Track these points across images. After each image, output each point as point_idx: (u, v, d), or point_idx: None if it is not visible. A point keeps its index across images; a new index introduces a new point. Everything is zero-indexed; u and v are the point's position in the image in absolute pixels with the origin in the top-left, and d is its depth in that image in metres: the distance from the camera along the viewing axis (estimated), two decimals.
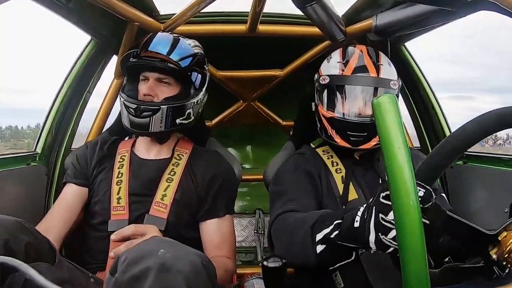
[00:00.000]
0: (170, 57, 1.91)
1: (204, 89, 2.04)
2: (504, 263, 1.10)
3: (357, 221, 1.29)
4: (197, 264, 1.20)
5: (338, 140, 1.92)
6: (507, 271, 1.12)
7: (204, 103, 2.09)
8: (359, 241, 1.28)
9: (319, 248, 1.46)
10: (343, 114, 1.92)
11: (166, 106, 1.89)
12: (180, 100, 1.94)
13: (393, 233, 1.17)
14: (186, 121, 1.98)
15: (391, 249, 1.20)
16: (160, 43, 1.95)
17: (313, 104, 2.11)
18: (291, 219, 1.67)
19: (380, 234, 1.20)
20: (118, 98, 2.05)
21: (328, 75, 1.96)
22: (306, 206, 1.77)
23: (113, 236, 1.55)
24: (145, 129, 1.90)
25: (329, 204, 1.87)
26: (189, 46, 2.02)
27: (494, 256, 1.11)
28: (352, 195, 1.87)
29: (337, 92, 1.95)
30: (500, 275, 1.14)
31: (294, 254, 1.57)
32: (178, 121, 1.95)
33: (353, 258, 1.46)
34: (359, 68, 1.92)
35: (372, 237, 1.22)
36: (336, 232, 1.39)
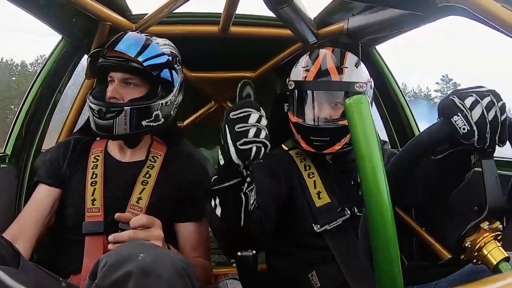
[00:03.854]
0: (133, 56, 1.85)
1: (175, 89, 1.98)
2: (475, 261, 1.16)
3: (221, 159, 1.36)
4: (178, 268, 1.19)
5: (303, 145, 1.92)
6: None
7: (177, 104, 2.03)
8: (231, 170, 1.34)
9: (218, 211, 1.40)
10: (306, 119, 1.92)
11: (129, 107, 1.84)
12: (147, 101, 1.89)
13: (251, 132, 1.29)
14: (155, 123, 1.92)
15: (252, 152, 1.29)
16: (125, 43, 1.89)
17: (285, 105, 2.12)
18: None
19: (238, 143, 1.28)
20: None
21: (293, 81, 1.96)
22: (262, 205, 1.73)
23: (110, 238, 1.52)
24: (109, 131, 1.86)
25: (302, 208, 1.87)
26: (157, 45, 1.96)
27: (465, 259, 1.18)
28: (325, 199, 1.88)
29: (302, 98, 1.95)
30: None
31: None
32: (144, 123, 1.89)
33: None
34: (321, 73, 1.91)
35: (232, 151, 1.29)
36: (217, 185, 1.38)
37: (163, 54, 1.94)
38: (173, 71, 1.97)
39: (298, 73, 1.97)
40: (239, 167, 1.32)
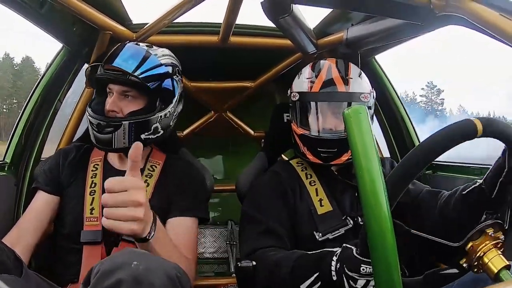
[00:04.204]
0: (131, 71, 1.83)
1: (175, 100, 1.97)
2: (475, 270, 1.15)
3: (334, 275, 1.33)
4: (171, 277, 1.18)
5: (310, 157, 1.93)
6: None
7: (177, 115, 2.03)
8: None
9: None
10: (312, 131, 1.92)
11: (127, 122, 1.84)
12: (145, 114, 1.88)
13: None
14: (154, 136, 1.92)
15: None
16: (123, 56, 1.88)
17: (285, 115, 2.12)
18: (270, 261, 1.62)
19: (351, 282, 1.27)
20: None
21: (297, 92, 1.96)
22: (280, 224, 1.80)
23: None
24: (109, 145, 1.86)
25: (303, 217, 1.87)
26: (155, 57, 1.94)
27: (465, 265, 1.15)
28: (327, 207, 1.87)
29: (307, 109, 1.95)
30: None
31: None
32: (143, 136, 1.89)
33: None
34: (327, 83, 1.91)
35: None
36: (318, 284, 1.41)
37: (161, 65, 1.93)
38: (173, 82, 1.96)
39: (302, 84, 1.97)
40: None
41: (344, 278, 1.27)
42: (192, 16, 2.34)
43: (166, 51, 2.04)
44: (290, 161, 2.10)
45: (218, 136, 3.64)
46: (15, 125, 2.38)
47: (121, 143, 1.86)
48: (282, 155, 2.57)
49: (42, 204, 1.92)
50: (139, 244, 1.39)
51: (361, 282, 1.25)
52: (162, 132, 1.95)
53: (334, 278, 1.32)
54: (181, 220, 1.88)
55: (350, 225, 1.82)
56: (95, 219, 1.83)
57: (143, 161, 2.01)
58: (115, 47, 1.97)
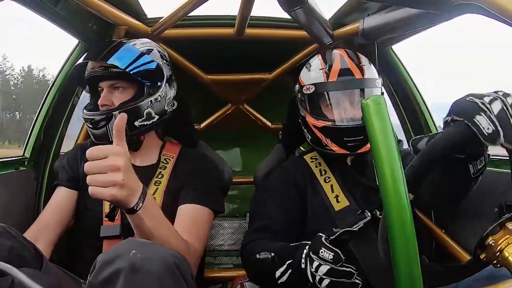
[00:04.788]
0: (110, 63, 1.88)
1: (163, 84, 1.98)
2: (495, 264, 1.12)
3: (303, 263, 1.43)
4: (169, 264, 1.19)
5: (336, 148, 1.89)
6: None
7: (170, 99, 2.04)
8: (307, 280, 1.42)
9: (281, 281, 1.52)
10: (337, 121, 1.89)
11: (117, 111, 1.86)
12: (134, 101, 1.90)
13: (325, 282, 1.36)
14: (149, 121, 1.94)
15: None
16: (108, 54, 1.92)
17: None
18: (255, 251, 1.64)
19: (314, 279, 1.38)
20: None
21: (312, 84, 1.93)
22: (278, 234, 1.81)
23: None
24: (106, 139, 1.88)
25: (320, 214, 1.87)
26: (133, 46, 1.98)
27: (484, 260, 1.14)
28: (343, 202, 1.86)
29: (325, 100, 1.93)
30: None
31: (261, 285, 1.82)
32: (137, 123, 1.91)
33: (309, 286, 1.48)
34: (344, 72, 1.90)
35: (310, 279, 1.39)
36: (289, 271, 1.49)
37: (142, 54, 1.96)
38: (158, 66, 1.99)
39: (314, 75, 1.95)
40: None
41: (308, 261, 1.38)
42: (207, 9, 2.33)
43: (143, 40, 2.08)
44: (304, 157, 2.08)
45: (236, 128, 3.63)
46: (33, 120, 2.41)
47: None
48: (300, 147, 2.56)
49: (63, 199, 1.94)
50: (130, 217, 1.41)
51: (315, 264, 1.35)
52: (157, 117, 1.96)
53: (303, 265, 1.41)
54: (189, 207, 1.86)
55: (369, 218, 1.81)
56: None
57: (156, 156, 2.03)
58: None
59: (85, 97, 2.61)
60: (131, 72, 1.88)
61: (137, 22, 2.32)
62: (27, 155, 2.33)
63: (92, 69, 1.93)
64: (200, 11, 2.25)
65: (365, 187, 1.92)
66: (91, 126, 1.90)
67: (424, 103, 2.73)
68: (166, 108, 2.01)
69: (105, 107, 1.90)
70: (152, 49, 2.02)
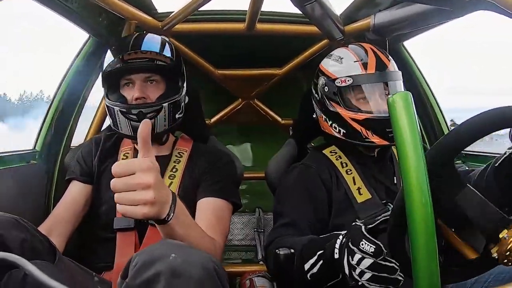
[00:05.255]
0: (163, 53, 1.93)
1: (184, 84, 2.04)
2: (505, 260, 1.10)
3: (336, 253, 1.33)
4: (209, 269, 1.16)
5: (377, 140, 1.86)
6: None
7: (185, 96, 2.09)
8: (340, 271, 1.33)
9: (309, 275, 1.45)
10: (377, 112, 1.86)
11: (167, 103, 1.89)
12: (171, 95, 1.93)
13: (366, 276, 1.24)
14: (181, 115, 2.01)
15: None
16: (147, 42, 1.95)
17: (317, 110, 2.07)
18: (281, 257, 1.59)
19: (353, 271, 1.26)
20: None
21: (349, 76, 1.89)
22: (304, 230, 1.74)
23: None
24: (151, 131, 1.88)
25: (342, 207, 1.85)
26: (166, 40, 2.05)
27: (495, 255, 1.11)
28: (366, 195, 1.85)
29: (362, 92, 1.90)
30: None
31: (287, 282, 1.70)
32: (177, 115, 1.97)
33: (340, 277, 1.41)
34: (380, 65, 1.89)
35: (347, 271, 1.28)
36: (320, 262, 1.41)
37: (172, 47, 2.03)
38: (181, 62, 2.05)
39: (350, 67, 1.92)
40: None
41: (346, 252, 1.27)
42: (217, 3, 2.34)
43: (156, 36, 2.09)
44: (323, 151, 2.06)
45: (246, 124, 3.63)
46: (44, 114, 2.43)
47: (162, 126, 1.92)
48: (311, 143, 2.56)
49: (77, 193, 1.95)
50: (159, 226, 1.36)
51: (357, 256, 1.24)
52: (184, 111, 2.03)
53: (336, 255, 1.32)
54: (210, 200, 1.86)
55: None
56: None
57: (169, 149, 2.04)
58: (130, 39, 1.97)
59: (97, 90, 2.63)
60: (178, 68, 2.00)
61: (147, 16, 2.32)
62: (38, 148, 2.35)
63: (133, 60, 1.90)
64: (210, 6, 2.25)
65: (386, 181, 1.93)
66: (135, 119, 1.86)
67: (435, 99, 2.71)
68: (182, 105, 2.04)
69: (141, 100, 1.89)
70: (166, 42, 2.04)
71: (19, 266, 0.96)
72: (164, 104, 1.88)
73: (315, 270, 1.43)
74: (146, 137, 1.25)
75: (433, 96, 2.71)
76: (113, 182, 1.21)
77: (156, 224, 1.35)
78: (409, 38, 2.52)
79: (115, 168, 1.21)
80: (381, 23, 2.20)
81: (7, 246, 1.27)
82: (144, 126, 1.25)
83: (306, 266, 1.44)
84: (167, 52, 1.95)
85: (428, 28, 2.17)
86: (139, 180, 1.20)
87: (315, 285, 1.49)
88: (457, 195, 1.10)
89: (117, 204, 1.22)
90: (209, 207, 1.83)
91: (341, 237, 1.34)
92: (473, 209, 1.11)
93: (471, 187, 1.11)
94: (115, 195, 1.22)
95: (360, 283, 1.25)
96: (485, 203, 1.10)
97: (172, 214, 1.30)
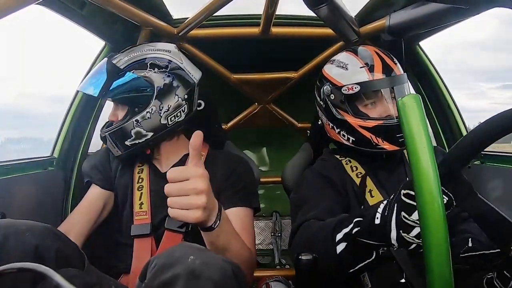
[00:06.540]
0: (82, 90, 1.93)
1: (153, 99, 1.84)
2: None
3: (377, 218, 1.25)
4: (227, 271, 1.17)
5: (387, 146, 1.84)
6: None
7: (174, 108, 1.90)
8: (380, 238, 1.25)
9: (340, 247, 1.40)
10: (386, 118, 1.85)
11: (107, 133, 1.88)
12: (121, 122, 1.86)
13: (415, 230, 1.14)
14: (141, 140, 1.86)
15: (413, 245, 1.17)
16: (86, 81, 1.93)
17: (323, 117, 2.05)
18: (313, 228, 1.60)
19: (401, 231, 1.17)
20: None
21: (356, 83, 1.85)
22: (330, 210, 1.70)
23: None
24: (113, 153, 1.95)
25: (356, 209, 1.84)
26: (112, 64, 1.85)
27: None
28: (377, 197, 1.83)
29: (369, 98, 1.88)
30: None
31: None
32: (128, 143, 1.86)
33: (373, 257, 1.40)
34: (386, 69, 1.86)
35: (393, 234, 1.19)
36: (357, 229, 1.35)
37: (124, 72, 1.84)
38: (142, 82, 1.85)
39: (357, 74, 1.88)
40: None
41: (394, 222, 1.18)
42: (232, 8, 2.34)
43: (143, 47, 1.94)
44: (334, 155, 2.06)
45: (263, 128, 3.63)
46: (62, 121, 2.45)
47: (116, 152, 1.92)
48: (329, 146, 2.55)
49: (95, 198, 1.97)
50: (204, 233, 1.39)
51: (416, 231, 1.15)
52: (152, 133, 1.87)
53: (377, 221, 1.25)
54: (235, 211, 1.84)
55: None
56: (144, 213, 1.89)
57: (183, 153, 2.02)
58: None
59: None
60: (115, 97, 1.89)
61: (162, 23, 2.34)
62: (56, 155, 2.38)
63: None
64: (225, 11, 2.25)
65: (395, 183, 1.88)
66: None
67: (453, 100, 2.68)
68: (163, 122, 1.88)
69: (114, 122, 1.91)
70: (143, 60, 1.88)
71: (48, 277, 0.96)
72: (106, 134, 1.89)
73: (347, 242, 1.38)
74: (197, 147, 1.31)
75: (451, 97, 2.67)
76: (167, 187, 1.27)
77: (201, 231, 1.39)
78: (425, 38, 2.49)
79: (170, 174, 1.27)
80: (396, 24, 2.18)
81: (42, 256, 1.31)
82: (196, 137, 1.30)
83: (338, 236, 1.40)
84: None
85: (444, 27, 2.15)
86: (193, 186, 1.26)
87: (340, 272, 1.49)
88: (466, 203, 1.09)
89: (169, 208, 1.27)
90: (236, 218, 1.79)
91: (385, 202, 1.27)
92: (482, 218, 1.11)
93: (481, 197, 1.10)
94: (168, 199, 1.27)
95: (411, 246, 1.17)
96: (495, 213, 1.09)
97: (218, 221, 1.36)
